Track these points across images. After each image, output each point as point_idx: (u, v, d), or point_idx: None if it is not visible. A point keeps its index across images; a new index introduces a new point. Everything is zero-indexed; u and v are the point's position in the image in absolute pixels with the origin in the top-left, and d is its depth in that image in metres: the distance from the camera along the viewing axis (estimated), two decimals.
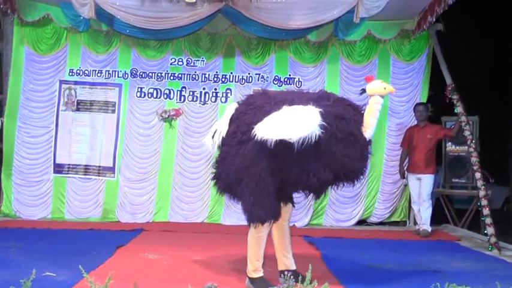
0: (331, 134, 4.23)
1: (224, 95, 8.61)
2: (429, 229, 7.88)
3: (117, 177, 8.49)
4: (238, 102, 4.81)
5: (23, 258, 5.39)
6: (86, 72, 8.55)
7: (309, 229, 8.19)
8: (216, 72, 8.63)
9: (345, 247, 6.79)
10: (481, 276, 5.13)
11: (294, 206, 4.89)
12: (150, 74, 8.58)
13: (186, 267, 5.32)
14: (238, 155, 4.41)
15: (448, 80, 8.24)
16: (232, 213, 8.40)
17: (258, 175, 4.27)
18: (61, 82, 8.54)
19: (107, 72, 8.56)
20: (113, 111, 8.56)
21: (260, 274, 4.55)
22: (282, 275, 4.40)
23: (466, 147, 8.47)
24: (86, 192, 8.50)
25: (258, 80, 8.62)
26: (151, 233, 7.46)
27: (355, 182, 4.69)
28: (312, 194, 4.75)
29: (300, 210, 8.53)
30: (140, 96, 8.56)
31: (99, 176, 8.51)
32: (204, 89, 8.56)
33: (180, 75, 8.61)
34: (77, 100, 8.55)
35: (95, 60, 8.57)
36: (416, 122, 8.33)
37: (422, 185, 7.97)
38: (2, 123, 8.45)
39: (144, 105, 8.57)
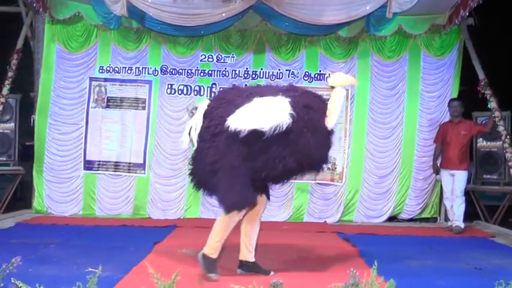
0: (300, 123, 4.38)
1: None
2: (462, 225, 7.81)
3: (147, 173, 8.50)
4: (209, 99, 4.99)
5: (62, 254, 5.40)
6: (116, 69, 8.58)
7: (340, 225, 8.16)
8: (246, 68, 8.62)
9: (380, 244, 6.72)
10: None
11: (268, 199, 4.96)
12: (180, 71, 8.59)
13: (228, 264, 5.30)
14: (212, 148, 4.51)
15: (481, 74, 8.17)
16: (266, 210, 8.37)
17: (231, 163, 4.39)
18: (91, 79, 8.58)
19: (136, 69, 8.58)
20: (143, 108, 8.58)
21: (215, 256, 4.61)
22: (240, 264, 4.82)
23: (498, 142, 8.42)
24: (116, 188, 8.53)
25: (288, 76, 8.59)
26: (184, 229, 7.45)
27: (319, 172, 4.97)
28: (275, 183, 4.87)
29: (331, 207, 8.52)
30: (170, 93, 8.57)
31: (129, 172, 8.53)
32: (233, 84, 8.52)
33: (210, 72, 8.61)
34: (107, 97, 8.58)
35: (125, 57, 8.60)
36: (449, 118, 8.25)
37: (455, 181, 7.90)
38: (33, 120, 8.51)
39: (175, 101, 8.58)
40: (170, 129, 8.54)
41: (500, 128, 7.85)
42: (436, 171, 8.26)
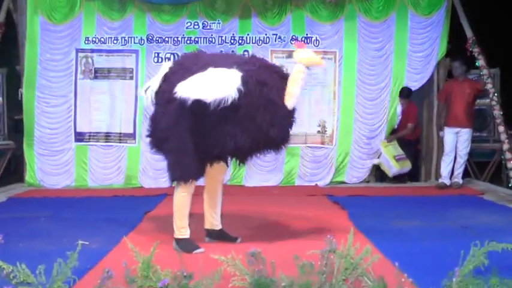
0: (251, 99, 4.26)
1: None
2: (461, 181, 8.07)
3: (138, 143, 8.52)
4: (172, 62, 4.89)
5: (52, 227, 5.47)
6: (102, 39, 8.52)
7: (331, 188, 8.23)
8: (233, 34, 8.56)
9: (370, 205, 6.81)
10: (509, 230, 5.14)
11: (227, 166, 4.94)
12: (167, 39, 8.53)
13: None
14: (165, 114, 4.49)
15: (469, 33, 8.14)
16: (254, 175, 8.47)
17: (178, 134, 4.38)
18: (77, 50, 8.52)
19: (122, 39, 8.52)
20: (131, 78, 8.56)
21: (186, 235, 4.59)
22: (207, 233, 4.87)
23: (486, 100, 8.42)
24: (108, 159, 8.57)
25: (276, 41, 8.54)
26: None
27: (278, 151, 4.76)
28: (234, 159, 4.80)
29: (322, 169, 8.58)
30: (157, 62, 8.48)
31: (120, 142, 8.56)
32: (221, 51, 8.46)
33: (196, 39, 8.54)
34: (95, 68, 8.54)
35: (110, 27, 8.53)
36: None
37: (460, 140, 8.02)
38: (21, 94, 8.48)
39: None
40: None
41: (489, 86, 7.85)
42: (439, 128, 8.36)
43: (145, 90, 4.73)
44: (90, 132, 8.55)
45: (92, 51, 8.52)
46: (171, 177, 4.62)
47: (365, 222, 5.48)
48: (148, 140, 4.86)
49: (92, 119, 8.55)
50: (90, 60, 8.52)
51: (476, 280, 2.97)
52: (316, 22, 8.60)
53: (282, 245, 4.67)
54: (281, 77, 4.51)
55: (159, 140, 4.62)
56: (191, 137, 4.37)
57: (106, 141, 8.56)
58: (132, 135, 8.54)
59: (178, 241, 4.56)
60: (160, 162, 8.34)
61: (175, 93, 4.25)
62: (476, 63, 8.02)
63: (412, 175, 8.86)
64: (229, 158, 4.85)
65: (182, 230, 4.57)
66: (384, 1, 8.56)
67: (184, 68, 4.54)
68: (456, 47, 8.55)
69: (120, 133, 8.55)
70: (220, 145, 4.37)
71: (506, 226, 5.46)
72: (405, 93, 8.42)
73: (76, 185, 8.44)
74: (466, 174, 8.65)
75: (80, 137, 8.54)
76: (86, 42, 8.51)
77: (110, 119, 8.56)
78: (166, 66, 4.72)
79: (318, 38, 8.57)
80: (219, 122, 4.30)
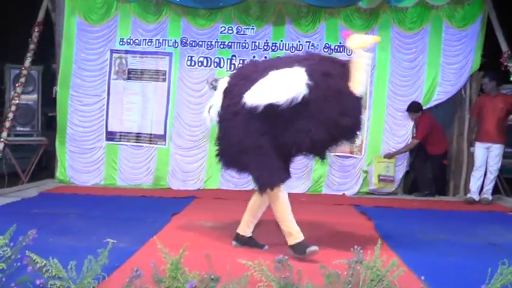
0: (319, 92, 4.26)
1: None
2: (490, 197, 7.95)
3: (168, 144, 8.61)
4: (229, 76, 4.83)
5: (82, 224, 5.55)
6: (137, 41, 8.64)
7: (359, 198, 8.19)
8: (266, 40, 8.61)
9: (397, 217, 6.74)
10: None
11: (289, 176, 4.80)
12: (200, 43, 8.61)
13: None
14: (235, 127, 4.45)
15: (504, 47, 8.06)
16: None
17: (255, 142, 4.36)
18: (112, 51, 8.66)
19: (157, 41, 8.63)
20: (164, 80, 8.65)
21: (299, 239, 4.45)
22: (236, 237, 4.85)
23: None
24: (137, 159, 8.67)
25: (309, 48, 8.53)
26: (203, 200, 7.56)
27: (352, 140, 4.75)
28: (312, 156, 4.76)
29: (350, 179, 8.57)
30: (190, 65, 8.62)
31: (150, 143, 8.65)
32: (254, 57, 8.50)
33: (230, 44, 8.62)
34: (128, 69, 8.66)
35: (145, 30, 8.65)
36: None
37: (491, 156, 7.91)
38: (55, 92, 8.64)
39: (195, 73, 8.63)
40: (190, 101, 8.61)
41: None
42: (470, 143, 8.30)
43: (209, 111, 4.74)
44: (121, 132, 8.67)
45: (126, 52, 8.65)
46: (262, 187, 4.50)
47: (391, 234, 5.44)
48: (220, 159, 4.80)
49: (123, 119, 8.67)
50: (124, 61, 8.65)
51: None
52: (350, 31, 8.58)
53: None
54: (341, 66, 4.49)
55: (234, 155, 4.56)
56: (266, 142, 4.36)
57: (136, 142, 8.67)
58: (163, 137, 8.63)
59: (294, 247, 4.44)
60: (189, 165, 8.56)
61: (243, 103, 4.26)
62: (511, 78, 7.91)
63: (439, 189, 8.78)
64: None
65: (295, 235, 4.45)
66: (418, 12, 8.54)
67: (243, 78, 4.55)
68: (491, 61, 8.46)
69: (151, 134, 8.65)
70: (297, 143, 4.36)
71: None
72: (414, 108, 8.37)
73: (105, 184, 8.56)
74: (495, 190, 8.54)
75: (111, 136, 8.66)
76: (121, 43, 8.64)
77: (141, 119, 8.66)
78: (224, 82, 4.72)
79: (348, 38, 8.52)
80: (291, 120, 4.29)
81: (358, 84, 4.37)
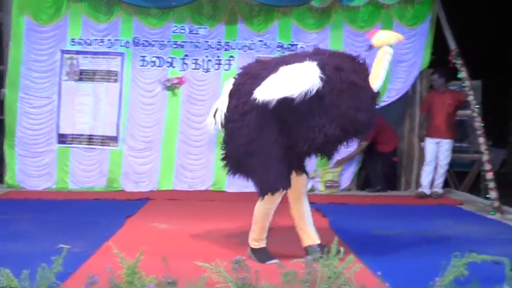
0: (332, 86, 4.13)
1: (227, 62, 8.55)
2: (440, 191, 8.19)
3: (120, 146, 8.48)
4: (234, 77, 4.72)
5: (34, 230, 5.44)
6: (88, 41, 8.47)
7: (313, 195, 8.18)
8: (219, 39, 8.56)
9: (351, 213, 6.85)
10: (487, 241, 5.24)
11: (308, 175, 4.81)
12: (153, 43, 8.50)
13: (198, 238, 5.36)
14: (243, 128, 4.34)
15: (452, 45, 8.22)
16: (236, 181, 8.35)
17: (264, 144, 4.24)
18: (62, 52, 8.46)
19: (108, 42, 8.49)
20: (116, 81, 8.51)
21: (262, 245, 4.51)
22: (307, 251, 4.28)
23: (467, 111, 8.52)
24: (89, 162, 8.50)
25: (261, 47, 8.55)
26: (157, 201, 7.50)
27: (364, 136, 4.64)
28: (322, 154, 4.64)
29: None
30: (143, 65, 8.50)
31: (102, 145, 8.50)
32: (206, 56, 8.50)
33: (182, 43, 8.53)
34: (79, 70, 8.49)
35: (97, 29, 8.48)
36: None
37: (441, 151, 8.14)
38: (3, 94, 8.41)
39: (147, 74, 8.52)
40: (143, 102, 8.51)
41: (470, 98, 7.93)
42: (421, 139, 8.50)
43: (214, 115, 4.61)
44: (72, 134, 8.49)
45: (77, 52, 8.47)
46: (261, 191, 4.41)
47: (346, 231, 5.51)
48: (227, 164, 4.66)
49: (75, 121, 8.49)
50: (75, 62, 8.48)
51: None
52: (303, 30, 8.64)
53: None
54: (351, 60, 4.40)
55: (241, 156, 4.43)
56: (279, 143, 4.24)
57: (88, 144, 8.50)
58: (115, 139, 8.50)
59: (255, 251, 4.46)
60: (142, 166, 8.47)
61: (254, 101, 4.11)
62: (459, 75, 8.11)
63: (391, 185, 8.94)
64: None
65: (260, 241, 4.49)
66: (369, 11, 8.62)
67: (252, 76, 4.43)
68: (440, 58, 8.65)
69: (103, 136, 8.49)
70: (310, 139, 4.19)
71: (485, 237, 5.57)
72: None
73: (57, 188, 8.36)
74: (445, 184, 8.75)
75: (62, 138, 8.48)
76: (72, 43, 8.46)
77: (93, 121, 8.50)
78: (229, 84, 4.61)
79: (303, 46, 8.58)
80: (304, 116, 4.16)
81: (377, 79, 4.28)
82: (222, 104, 4.54)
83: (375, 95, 4.39)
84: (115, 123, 8.51)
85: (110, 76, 8.52)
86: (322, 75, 4.07)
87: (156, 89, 8.49)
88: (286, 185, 4.41)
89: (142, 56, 8.51)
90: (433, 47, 8.74)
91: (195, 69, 8.54)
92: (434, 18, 8.65)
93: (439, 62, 8.76)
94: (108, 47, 8.50)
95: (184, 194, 8.11)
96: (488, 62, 10.08)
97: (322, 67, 4.12)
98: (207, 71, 8.54)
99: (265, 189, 4.37)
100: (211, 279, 3.09)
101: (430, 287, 3.06)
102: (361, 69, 4.35)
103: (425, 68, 8.79)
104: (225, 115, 4.51)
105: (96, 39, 8.48)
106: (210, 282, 3.09)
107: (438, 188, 8.18)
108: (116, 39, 8.50)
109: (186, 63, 8.51)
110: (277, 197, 4.44)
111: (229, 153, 4.59)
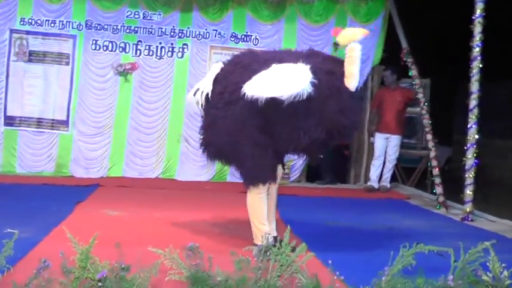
0: (322, 91, 4.13)
1: (181, 50, 8.50)
2: (388, 185, 8.41)
3: (71, 131, 8.33)
4: (223, 62, 4.68)
5: None
6: (39, 21, 8.26)
7: None
8: (173, 26, 8.48)
9: (301, 205, 6.91)
10: (432, 234, 5.41)
11: (284, 168, 4.85)
12: (106, 27, 8.35)
13: (150, 225, 5.35)
14: (227, 117, 4.32)
15: (404, 43, 8.39)
16: (187, 169, 8.44)
17: (250, 136, 4.26)
18: (11, 31, 8.24)
19: (60, 23, 8.29)
20: (67, 64, 8.34)
21: (269, 240, 4.29)
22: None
23: (417, 108, 8.73)
24: (38, 146, 8.32)
25: (215, 37, 8.53)
26: (107, 188, 7.42)
27: (349, 139, 4.67)
28: (305, 156, 4.73)
29: None
30: (95, 49, 8.36)
31: (52, 129, 8.33)
32: (160, 43, 8.43)
33: (136, 29, 8.43)
34: (29, 51, 8.27)
35: (48, 10, 8.28)
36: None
37: (390, 146, 8.34)
38: None
39: (99, 58, 8.38)
40: (94, 86, 8.37)
41: (420, 95, 8.13)
42: (371, 134, 8.66)
43: (194, 94, 4.55)
44: (21, 117, 8.29)
45: (27, 33, 8.25)
46: (249, 183, 4.40)
47: (296, 222, 5.54)
48: (205, 149, 4.60)
49: (23, 104, 8.28)
50: (24, 42, 8.26)
51: (404, 280, 3.13)
52: (257, 21, 8.65)
53: (219, 240, 4.72)
54: (341, 65, 4.33)
55: (224, 145, 4.40)
56: (262, 136, 4.24)
57: (37, 127, 8.32)
58: (65, 123, 8.34)
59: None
60: (92, 152, 8.35)
61: (242, 94, 4.08)
62: (409, 73, 8.29)
63: (340, 178, 9.10)
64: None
65: (261, 236, 4.27)
66: (324, 5, 8.70)
67: (242, 66, 4.39)
68: (391, 56, 8.81)
69: (53, 120, 8.33)
70: (294, 141, 4.22)
71: (431, 230, 5.76)
72: None
73: (3, 171, 8.14)
74: (393, 178, 8.96)
75: (10, 121, 8.27)
76: (22, 23, 8.24)
77: (43, 104, 8.32)
78: (217, 67, 4.55)
79: (257, 37, 8.63)
80: (290, 117, 4.15)
81: (352, 78, 4.23)
82: (206, 86, 4.50)
83: (354, 96, 4.38)
84: (65, 107, 8.35)
85: (61, 58, 8.34)
86: (314, 80, 4.06)
87: (108, 74, 8.37)
88: (275, 176, 4.49)
89: (94, 40, 8.36)
90: (385, 44, 8.88)
91: (148, 55, 8.45)
92: (387, 15, 8.80)
93: (391, 60, 8.93)
94: (60, 29, 8.31)
95: (135, 181, 8.06)
96: (437, 61, 10.31)
97: (314, 71, 4.11)
98: (160, 57, 8.47)
99: (253, 180, 4.39)
100: (164, 265, 3.10)
101: (380, 276, 3.14)
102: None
103: (377, 65, 8.94)
104: (208, 99, 4.48)
105: (47, 20, 8.28)
106: (163, 268, 3.09)
107: (386, 182, 8.38)
108: (68, 21, 8.32)
109: (139, 49, 8.42)
110: (264, 189, 4.44)
111: (208, 140, 4.55)
